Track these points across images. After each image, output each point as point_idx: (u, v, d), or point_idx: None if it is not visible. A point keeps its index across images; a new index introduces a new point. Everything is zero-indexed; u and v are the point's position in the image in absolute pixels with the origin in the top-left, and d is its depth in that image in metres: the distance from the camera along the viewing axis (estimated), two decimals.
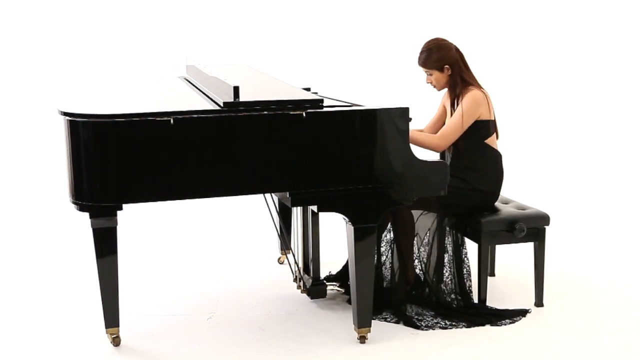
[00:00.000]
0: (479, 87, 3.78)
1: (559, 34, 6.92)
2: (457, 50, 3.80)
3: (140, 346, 3.45)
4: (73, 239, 4.97)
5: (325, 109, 3.22)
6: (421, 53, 3.81)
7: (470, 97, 3.72)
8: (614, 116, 6.84)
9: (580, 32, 6.90)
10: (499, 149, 3.84)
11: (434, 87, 3.85)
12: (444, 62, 3.76)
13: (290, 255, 4.31)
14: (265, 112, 3.12)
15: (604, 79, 6.89)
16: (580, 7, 6.88)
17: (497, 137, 3.84)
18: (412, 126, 3.98)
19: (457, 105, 3.75)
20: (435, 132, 4.01)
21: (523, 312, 3.73)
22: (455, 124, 3.71)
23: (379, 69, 6.89)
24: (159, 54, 6.75)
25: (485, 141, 3.77)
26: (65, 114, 3.08)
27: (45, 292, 4.12)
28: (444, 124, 3.94)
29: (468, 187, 3.74)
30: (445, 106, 3.96)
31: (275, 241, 4.67)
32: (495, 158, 3.81)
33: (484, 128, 3.75)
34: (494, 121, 3.81)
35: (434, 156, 3.89)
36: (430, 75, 3.81)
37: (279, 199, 4.14)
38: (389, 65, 6.86)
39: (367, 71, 6.90)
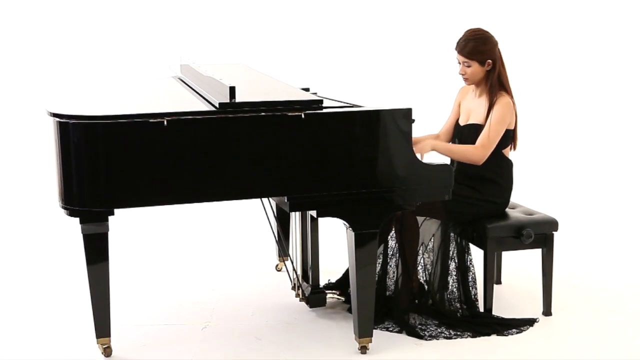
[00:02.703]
0: (510, 94, 3.74)
1: (569, 36, 6.92)
2: (499, 48, 3.74)
3: (132, 357, 3.44)
4: (63, 245, 4.97)
5: (324, 110, 3.22)
6: (464, 40, 3.68)
7: (505, 104, 3.67)
8: (624, 119, 6.84)
9: (593, 34, 6.91)
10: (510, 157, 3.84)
11: (466, 79, 3.75)
12: (487, 56, 3.67)
13: (288, 262, 4.31)
14: (262, 113, 3.13)
15: (614, 81, 6.89)
16: (592, 11, 6.89)
17: (515, 148, 3.82)
18: (425, 131, 3.97)
19: (492, 108, 3.69)
20: (453, 136, 4.00)
21: (530, 322, 3.73)
22: (495, 133, 3.64)
23: (380, 69, 6.89)
24: (152, 53, 6.75)
25: (502, 151, 3.77)
26: (54, 115, 3.09)
27: (33, 300, 4.12)
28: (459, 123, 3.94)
29: (479, 198, 3.73)
30: (460, 104, 3.92)
31: (273, 247, 4.67)
32: (508, 168, 3.81)
33: (506, 138, 3.74)
34: (515, 131, 3.80)
35: (438, 159, 3.88)
36: (468, 66, 3.69)
37: (276, 204, 4.14)
38: (390, 64, 6.86)
39: (367, 71, 6.90)
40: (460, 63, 3.73)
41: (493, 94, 3.70)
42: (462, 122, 3.86)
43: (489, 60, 3.68)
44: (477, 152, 3.65)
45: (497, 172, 3.76)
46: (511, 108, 3.70)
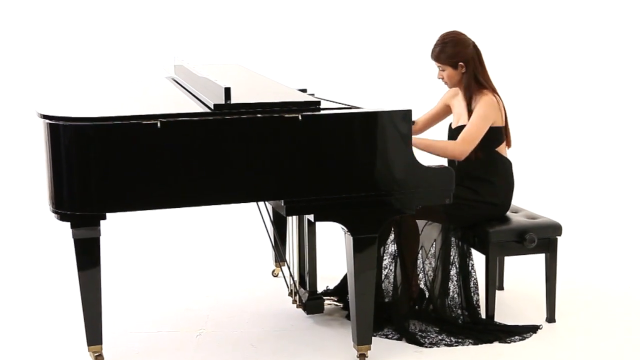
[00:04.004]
0: (493, 91, 3.77)
1: (575, 36, 6.93)
2: (474, 46, 3.77)
3: None
4: (53, 251, 4.96)
5: (322, 112, 3.22)
6: (436, 46, 3.76)
7: (485, 102, 3.71)
8: (630, 121, 6.84)
9: (599, 34, 6.91)
10: (509, 156, 3.85)
11: (445, 83, 3.83)
12: (459, 58, 3.73)
13: (285, 268, 4.30)
14: (258, 115, 3.12)
15: (621, 85, 6.89)
16: (597, 9, 6.90)
17: (509, 145, 3.84)
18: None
19: (472, 108, 3.74)
20: (428, 128, 4.05)
21: (534, 329, 3.73)
22: (477, 128, 3.68)
23: (379, 69, 6.90)
24: (146, 53, 6.75)
25: (496, 149, 3.77)
26: (45, 117, 3.08)
27: (23, 306, 4.11)
28: (436, 120, 4.00)
29: (477, 199, 3.74)
30: (447, 104, 3.98)
31: (269, 253, 4.66)
32: (506, 167, 3.81)
33: (495, 135, 3.75)
34: (506, 128, 3.81)
35: (440, 161, 3.88)
36: (443, 70, 3.77)
37: (273, 208, 4.14)
38: (388, 65, 6.86)
39: (366, 72, 6.90)
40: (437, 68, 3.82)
41: (470, 94, 3.76)
42: (453, 125, 3.90)
43: (460, 63, 3.74)
44: (457, 146, 3.67)
45: (494, 172, 3.77)
46: (494, 105, 3.72)
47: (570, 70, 6.92)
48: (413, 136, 3.65)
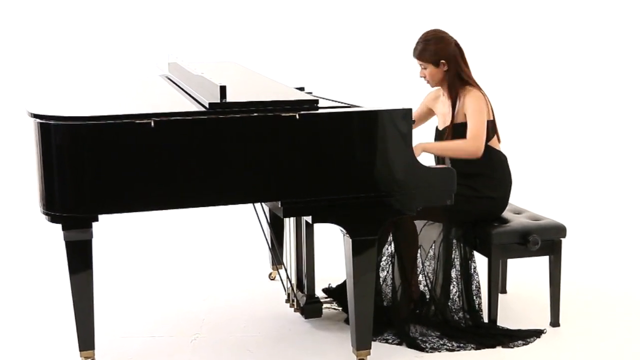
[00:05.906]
0: (477, 87, 3.80)
1: (576, 34, 6.93)
2: (456, 45, 3.81)
3: None
4: (44, 253, 4.96)
5: (320, 111, 3.22)
6: (417, 44, 3.81)
7: (473, 97, 3.74)
8: (636, 123, 6.84)
9: (601, 31, 6.92)
10: (504, 152, 3.86)
11: (427, 82, 3.86)
12: (440, 56, 3.76)
13: (282, 271, 4.30)
14: (255, 114, 3.12)
15: (626, 83, 6.90)
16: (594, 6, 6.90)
17: (499, 140, 3.85)
18: (423, 132, 4.00)
19: (457, 106, 3.77)
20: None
21: (537, 333, 3.73)
22: (478, 123, 3.70)
23: (378, 68, 6.90)
24: (139, 50, 6.74)
25: (489, 144, 3.78)
26: (35, 116, 3.07)
27: (13, 311, 4.11)
28: (420, 123, 4.01)
29: (475, 195, 3.75)
30: (430, 107, 4.01)
31: (266, 255, 4.66)
32: (500, 160, 3.83)
33: (486, 130, 3.76)
34: (494, 122, 3.83)
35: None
36: (425, 69, 3.81)
37: (270, 209, 4.13)
38: (388, 63, 6.86)
39: (365, 70, 6.90)
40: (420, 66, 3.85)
41: (454, 91, 3.79)
42: (440, 127, 3.92)
43: (442, 61, 3.77)
44: (470, 143, 3.70)
45: (489, 165, 3.79)
46: (482, 98, 3.76)
47: (576, 71, 6.93)
48: (426, 143, 3.69)
